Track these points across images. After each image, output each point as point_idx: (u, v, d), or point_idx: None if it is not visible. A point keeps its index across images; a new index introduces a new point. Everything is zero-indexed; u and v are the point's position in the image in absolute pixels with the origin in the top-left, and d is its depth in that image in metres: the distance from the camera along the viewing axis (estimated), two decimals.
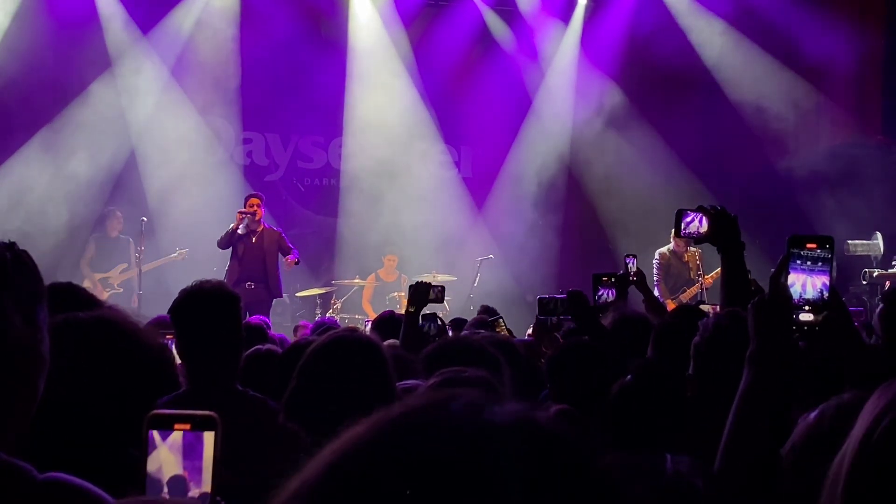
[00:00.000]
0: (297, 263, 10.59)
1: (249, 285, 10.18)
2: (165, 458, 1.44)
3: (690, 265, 10.36)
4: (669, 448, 2.49)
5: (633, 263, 5.71)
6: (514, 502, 0.66)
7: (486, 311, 7.08)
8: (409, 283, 12.29)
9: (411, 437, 0.69)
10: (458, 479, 0.66)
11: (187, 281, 3.41)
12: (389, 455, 0.68)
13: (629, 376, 2.86)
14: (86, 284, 11.22)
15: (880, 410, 1.33)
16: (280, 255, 10.49)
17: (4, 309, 1.41)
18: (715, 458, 1.96)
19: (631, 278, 5.62)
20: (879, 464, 1.31)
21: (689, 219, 3.37)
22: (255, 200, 10.53)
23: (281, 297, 10.88)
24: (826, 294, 2.15)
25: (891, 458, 1.30)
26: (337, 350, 2.76)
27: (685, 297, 10.23)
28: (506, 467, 0.67)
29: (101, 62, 12.61)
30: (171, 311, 3.30)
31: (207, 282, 3.37)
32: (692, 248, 10.32)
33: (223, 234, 10.45)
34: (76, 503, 1.39)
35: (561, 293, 5.43)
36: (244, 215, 10.36)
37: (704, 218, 3.35)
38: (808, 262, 2.16)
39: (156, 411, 1.47)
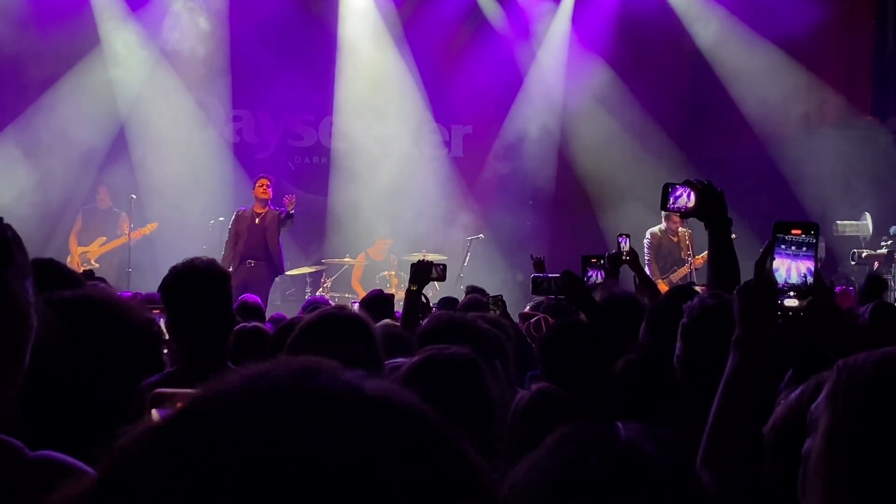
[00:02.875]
0: (290, 216, 10.62)
1: (249, 263, 10.35)
2: None
3: (682, 245, 10.38)
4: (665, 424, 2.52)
5: (625, 243, 5.72)
6: (327, 474, 0.65)
7: (475, 290, 7.09)
8: (396, 262, 12.36)
9: (231, 401, 0.70)
10: (267, 447, 0.66)
11: (178, 259, 3.40)
12: (211, 416, 0.69)
13: (634, 355, 2.87)
14: (67, 260, 11.24)
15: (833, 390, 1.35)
16: (281, 229, 10.60)
17: (10, 282, 1.42)
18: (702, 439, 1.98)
19: (624, 258, 5.64)
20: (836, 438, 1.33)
21: (676, 193, 3.38)
22: (265, 181, 10.76)
23: (283, 272, 10.96)
24: (810, 279, 2.17)
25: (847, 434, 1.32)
26: (326, 327, 2.77)
27: (675, 277, 10.26)
28: (318, 436, 0.66)
29: (90, 39, 12.53)
30: (160, 288, 3.29)
31: (199, 259, 3.35)
32: (682, 229, 10.34)
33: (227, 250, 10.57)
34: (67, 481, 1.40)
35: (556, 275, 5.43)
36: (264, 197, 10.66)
37: (692, 192, 3.36)
38: (793, 247, 2.17)
39: (158, 390, 1.47)
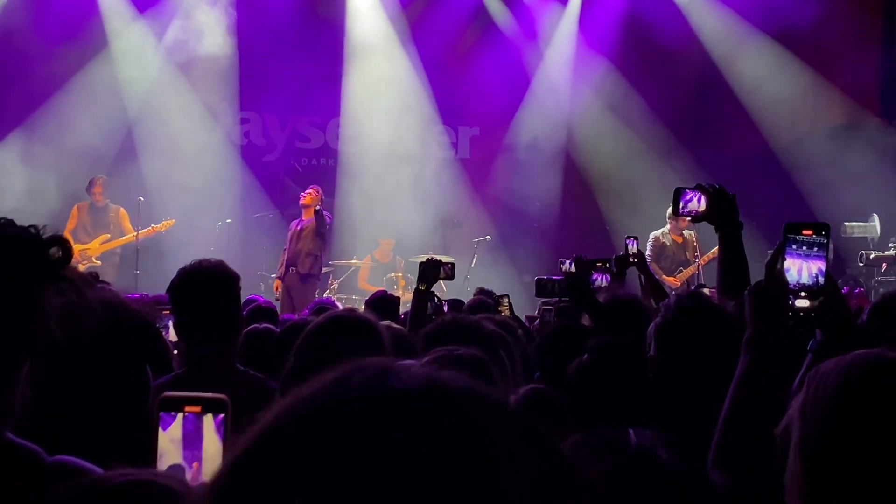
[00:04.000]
0: (318, 213, 10.70)
1: (292, 270, 10.70)
2: (174, 437, 1.44)
3: (687, 246, 10.36)
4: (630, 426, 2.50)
5: (633, 245, 5.73)
6: (420, 467, 0.66)
7: (483, 293, 7.08)
8: (403, 264, 12.34)
9: (317, 418, 0.70)
10: (365, 449, 0.66)
11: (186, 260, 3.40)
12: (298, 439, 0.69)
13: (585, 355, 2.86)
14: None
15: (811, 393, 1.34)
16: (319, 232, 10.73)
17: (45, 300, 1.45)
18: (677, 438, 1.97)
19: (631, 260, 5.64)
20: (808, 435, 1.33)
21: (687, 197, 3.38)
22: (310, 189, 10.98)
23: (317, 278, 11.04)
24: (822, 280, 2.15)
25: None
26: (334, 329, 2.76)
27: (682, 277, 10.24)
28: (410, 431, 0.67)
29: (99, 41, 12.56)
30: (169, 290, 3.28)
31: (207, 261, 3.34)
32: (686, 231, 10.32)
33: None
34: None
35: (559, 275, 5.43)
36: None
37: (703, 196, 3.35)
38: (804, 248, 2.17)
39: (166, 393, 1.47)
